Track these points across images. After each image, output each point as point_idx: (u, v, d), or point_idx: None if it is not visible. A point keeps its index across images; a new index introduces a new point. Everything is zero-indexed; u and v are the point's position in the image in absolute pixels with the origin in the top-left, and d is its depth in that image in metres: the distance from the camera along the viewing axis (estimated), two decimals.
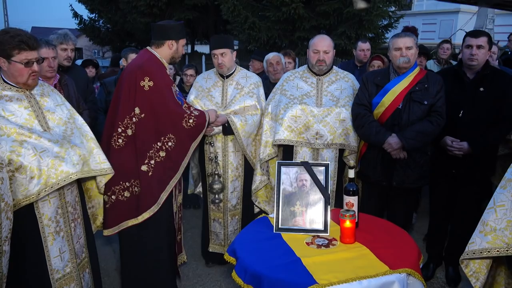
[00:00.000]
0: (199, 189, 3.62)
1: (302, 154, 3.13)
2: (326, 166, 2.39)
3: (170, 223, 2.89)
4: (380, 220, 2.58)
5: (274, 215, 2.35)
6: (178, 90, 2.96)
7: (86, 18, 17.65)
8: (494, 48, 4.19)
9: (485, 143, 2.96)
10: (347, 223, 2.12)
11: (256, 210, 3.54)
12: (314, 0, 10.97)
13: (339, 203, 2.96)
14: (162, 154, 2.68)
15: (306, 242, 2.17)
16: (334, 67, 3.27)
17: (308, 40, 4.71)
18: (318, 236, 2.24)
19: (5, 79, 2.16)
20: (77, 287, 2.36)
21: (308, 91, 3.17)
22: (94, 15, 17.74)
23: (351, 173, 2.32)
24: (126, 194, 2.64)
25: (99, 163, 2.44)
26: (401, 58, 2.87)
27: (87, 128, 2.48)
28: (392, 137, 2.85)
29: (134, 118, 2.62)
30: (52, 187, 2.10)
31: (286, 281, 1.82)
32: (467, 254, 1.83)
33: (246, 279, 1.96)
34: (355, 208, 2.26)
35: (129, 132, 2.63)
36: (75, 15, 17.28)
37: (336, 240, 2.18)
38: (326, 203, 2.30)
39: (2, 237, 1.86)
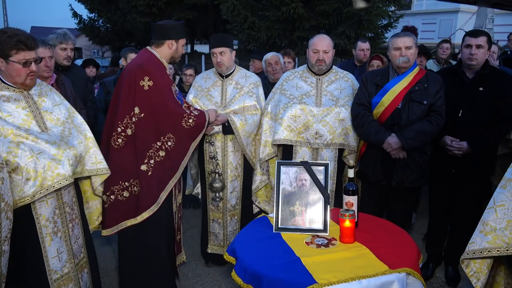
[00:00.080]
0: (198, 190, 3.61)
1: (302, 153, 3.13)
2: (326, 165, 2.38)
3: (169, 223, 2.89)
4: (380, 220, 2.57)
5: (274, 214, 2.35)
6: (178, 89, 2.96)
7: (86, 17, 17.62)
8: (495, 48, 4.20)
9: (485, 142, 2.96)
10: (347, 223, 2.12)
11: (255, 210, 3.53)
12: (314, 0, 10.96)
13: (338, 203, 2.96)
14: (162, 153, 2.67)
15: (305, 242, 2.17)
16: (333, 66, 3.27)
17: (307, 40, 4.69)
18: (318, 236, 2.24)
19: (3, 79, 2.14)
20: (75, 287, 2.35)
21: (307, 91, 3.16)
22: (93, 14, 17.70)
23: (351, 173, 2.32)
24: (126, 194, 2.63)
25: (95, 163, 2.43)
26: (400, 57, 2.87)
27: (86, 126, 2.47)
28: (391, 137, 2.85)
29: (133, 118, 2.62)
30: (47, 189, 2.09)
31: (286, 281, 1.82)
32: (468, 254, 1.83)
33: (245, 278, 1.96)
34: (354, 207, 2.26)
35: (129, 131, 2.63)
36: (75, 14, 17.24)
37: (336, 240, 2.18)
38: (326, 202, 2.30)
39: (2, 237, 1.85)
